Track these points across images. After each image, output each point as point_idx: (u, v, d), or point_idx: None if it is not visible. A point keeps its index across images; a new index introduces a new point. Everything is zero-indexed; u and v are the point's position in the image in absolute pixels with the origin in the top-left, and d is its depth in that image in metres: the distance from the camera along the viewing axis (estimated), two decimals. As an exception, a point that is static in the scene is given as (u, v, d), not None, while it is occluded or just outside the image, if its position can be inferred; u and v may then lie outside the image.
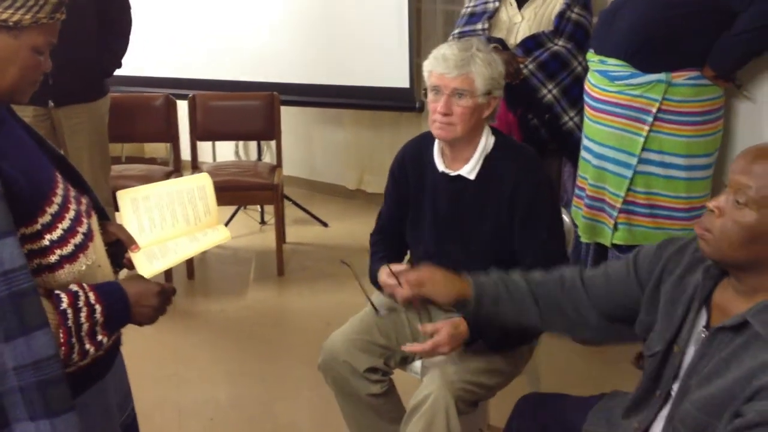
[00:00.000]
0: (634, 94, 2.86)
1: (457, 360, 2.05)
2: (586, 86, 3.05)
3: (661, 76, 2.80)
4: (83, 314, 1.34)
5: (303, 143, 5.15)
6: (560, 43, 3.18)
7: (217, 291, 3.89)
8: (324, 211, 4.77)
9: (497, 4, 3.31)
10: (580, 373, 3.03)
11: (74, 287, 1.36)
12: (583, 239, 3.13)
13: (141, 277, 1.53)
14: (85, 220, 1.46)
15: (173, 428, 2.77)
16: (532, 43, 3.18)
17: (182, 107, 4.18)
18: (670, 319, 1.56)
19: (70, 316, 1.33)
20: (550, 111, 3.22)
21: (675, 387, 1.52)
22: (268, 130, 4.22)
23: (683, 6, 2.74)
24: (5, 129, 1.40)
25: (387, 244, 2.32)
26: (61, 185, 1.45)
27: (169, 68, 4.63)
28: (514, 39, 3.25)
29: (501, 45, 3.19)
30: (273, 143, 4.33)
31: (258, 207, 4.74)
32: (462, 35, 3.34)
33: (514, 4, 3.29)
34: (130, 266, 1.73)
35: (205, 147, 5.05)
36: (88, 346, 1.36)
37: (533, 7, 3.27)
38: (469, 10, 3.41)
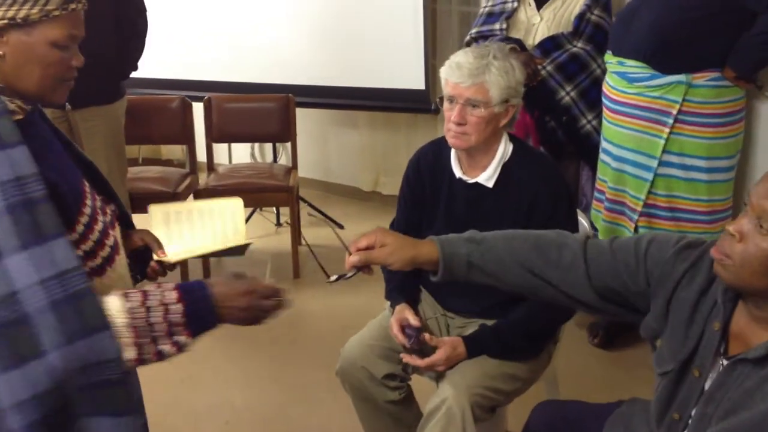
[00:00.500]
0: (653, 96, 2.82)
1: (474, 365, 2.03)
2: (605, 88, 3.02)
3: (681, 77, 2.77)
4: (158, 314, 1.30)
5: (318, 145, 5.14)
6: (579, 45, 3.15)
7: (232, 293, 3.87)
8: (339, 213, 4.75)
9: (516, 4, 3.28)
10: (599, 378, 3.00)
11: (151, 285, 1.34)
12: (602, 243, 3.09)
13: (230, 278, 1.45)
14: (111, 233, 1.44)
15: (188, 431, 2.76)
16: (550, 44, 3.15)
17: (198, 109, 4.18)
18: (683, 338, 1.48)
19: (140, 315, 1.29)
20: (568, 113, 3.19)
21: (693, 413, 1.46)
22: (283, 132, 4.21)
23: (702, 8, 2.70)
24: (38, 131, 1.37)
25: None
26: (89, 194, 1.42)
27: (185, 70, 4.63)
28: (533, 40, 3.22)
29: (519, 46, 3.16)
30: (288, 145, 4.32)
31: (273, 209, 4.74)
32: (479, 35, 3.31)
33: (533, 5, 3.26)
34: (154, 276, 1.71)
35: (221, 149, 5.05)
36: (164, 346, 1.32)
37: (552, 7, 3.23)
38: (486, 9, 3.38)
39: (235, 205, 1.86)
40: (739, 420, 1.34)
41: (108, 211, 1.50)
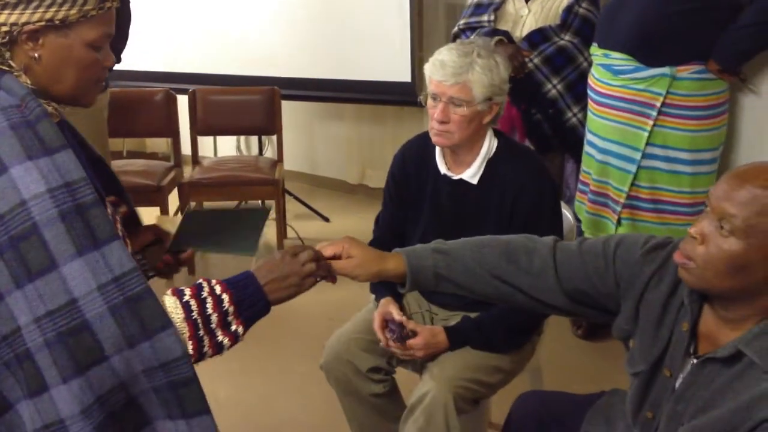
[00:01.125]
0: (638, 88, 2.83)
1: (456, 357, 2.04)
2: (590, 80, 3.02)
3: (666, 70, 2.77)
4: (209, 305, 1.30)
5: (304, 138, 5.13)
6: (567, 37, 3.15)
7: (218, 286, 3.86)
8: (325, 206, 4.75)
9: (504, -4, 3.28)
10: (582, 369, 3.02)
11: (198, 279, 1.33)
12: (587, 234, 3.11)
13: (268, 256, 1.44)
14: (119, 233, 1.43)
15: (173, 425, 2.76)
16: (538, 36, 3.15)
17: (183, 102, 4.15)
18: (653, 339, 1.49)
19: (194, 308, 1.29)
20: (554, 106, 3.19)
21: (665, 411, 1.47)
22: (269, 124, 4.20)
23: (686, 1, 2.71)
24: (65, 134, 1.32)
25: None
26: (102, 194, 1.40)
27: (169, 63, 4.60)
28: (520, 32, 3.22)
29: (506, 38, 3.16)
30: (274, 138, 4.31)
31: (259, 202, 4.72)
32: (467, 26, 3.31)
33: (522, -3, 3.26)
34: (167, 271, 1.70)
35: (206, 142, 5.03)
36: (220, 337, 1.32)
37: (540, 0, 3.23)
38: (475, 0, 3.37)
39: (260, 212, 1.81)
40: (709, 418, 1.34)
41: (119, 211, 1.49)
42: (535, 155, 2.25)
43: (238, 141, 5.28)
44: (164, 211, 3.80)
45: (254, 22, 4.54)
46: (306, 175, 5.21)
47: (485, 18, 3.26)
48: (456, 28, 3.38)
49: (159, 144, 5.55)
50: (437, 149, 2.14)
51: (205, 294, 1.31)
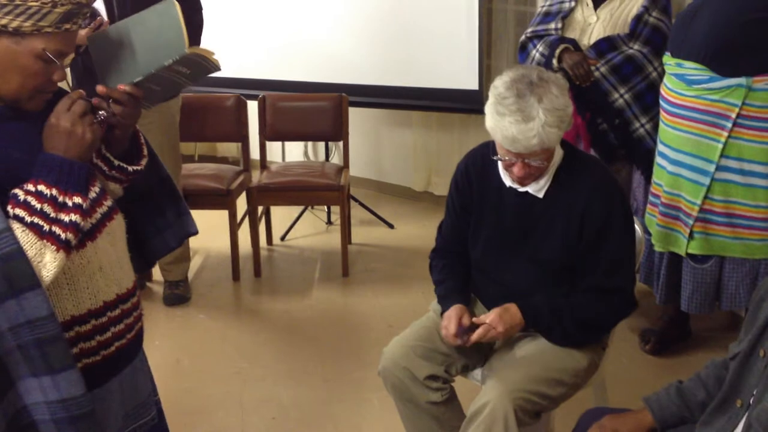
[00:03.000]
0: (712, 99, 2.75)
1: (518, 368, 2.02)
2: (662, 90, 2.95)
3: (741, 80, 2.69)
4: (34, 202, 1.33)
5: (371, 144, 5.16)
6: (636, 46, 3.09)
7: (282, 290, 3.92)
8: (390, 213, 4.76)
9: (573, 3, 3.24)
10: (649, 386, 2.92)
11: (18, 194, 1.34)
12: (657, 248, 3.03)
13: (49, 120, 1.41)
14: (104, 202, 1.47)
15: (236, 425, 2.80)
16: (605, 45, 3.10)
17: (252, 107, 4.23)
18: (752, 322, 1.50)
19: (23, 214, 1.32)
20: (621, 116, 3.13)
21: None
22: (336, 131, 4.23)
23: (763, 10, 2.63)
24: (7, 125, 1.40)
25: (451, 267, 2.26)
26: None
27: (240, 69, 4.68)
28: (588, 40, 3.17)
29: (573, 46, 3.12)
30: (341, 144, 4.35)
31: (324, 207, 4.77)
32: (534, 34, 3.28)
33: (590, 5, 3.21)
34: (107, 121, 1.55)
35: (275, 147, 5.12)
36: (66, 217, 1.35)
37: (609, 8, 3.18)
38: (544, 8, 3.35)
39: (166, 6, 1.50)
40: None
41: (104, 203, 1.51)
42: (603, 165, 2.21)
43: (306, 147, 5.35)
44: (232, 214, 3.87)
45: (323, 29, 4.59)
46: (371, 182, 5.23)
47: (553, 26, 3.23)
48: (524, 36, 3.36)
49: (229, 148, 5.66)
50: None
51: (22, 197, 1.33)
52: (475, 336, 2.03)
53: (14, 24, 1.32)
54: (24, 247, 1.30)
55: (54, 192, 1.35)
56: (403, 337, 2.21)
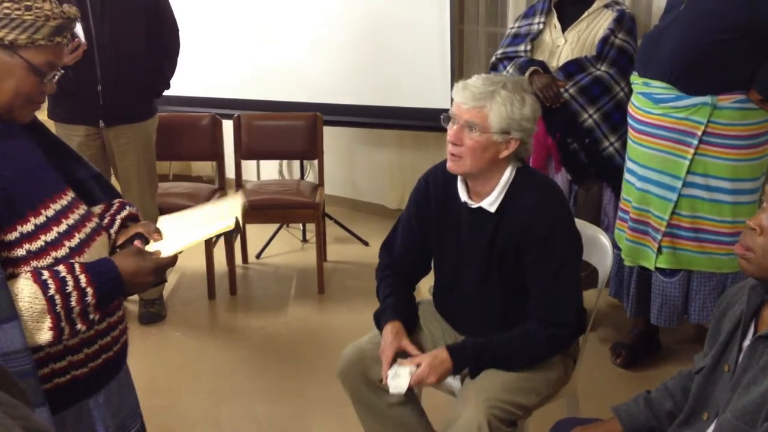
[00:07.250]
0: (678, 117, 2.83)
1: (492, 378, 2.04)
2: (630, 109, 3.03)
3: (707, 99, 2.77)
4: (73, 299, 1.37)
5: (345, 163, 5.19)
6: (603, 68, 3.17)
7: (258, 307, 3.93)
8: (365, 230, 4.79)
9: (541, 26, 3.31)
10: (620, 398, 2.97)
11: (63, 272, 1.38)
12: (627, 262, 3.10)
13: (137, 253, 1.51)
14: (77, 235, 1.48)
15: (212, 443, 2.80)
16: (573, 67, 3.18)
17: (227, 127, 4.25)
18: (715, 336, 1.55)
19: (58, 302, 1.35)
20: (590, 135, 3.20)
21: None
22: (310, 149, 4.26)
23: (729, 30, 2.70)
24: (14, 139, 1.44)
25: (396, 284, 2.27)
26: (63, 199, 1.48)
27: (215, 88, 4.71)
28: (556, 62, 3.25)
29: (542, 68, 3.18)
30: (316, 162, 4.37)
31: (300, 225, 4.79)
32: (504, 56, 3.35)
33: (558, 27, 3.29)
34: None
35: (249, 165, 5.12)
36: (79, 326, 1.39)
37: (577, 30, 3.26)
38: (513, 30, 3.42)
39: (233, 201, 1.78)
40: (751, 395, 1.39)
41: (91, 221, 1.54)
42: (554, 186, 2.21)
43: (281, 165, 5.37)
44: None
45: (297, 49, 4.62)
46: (346, 200, 5.26)
47: (522, 48, 3.30)
48: (494, 57, 3.43)
49: (204, 167, 5.66)
50: (459, 177, 2.13)
51: (70, 288, 1.37)
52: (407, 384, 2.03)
53: (10, 37, 1.36)
54: (27, 308, 1.32)
55: (92, 302, 1.40)
56: (360, 341, 2.24)
